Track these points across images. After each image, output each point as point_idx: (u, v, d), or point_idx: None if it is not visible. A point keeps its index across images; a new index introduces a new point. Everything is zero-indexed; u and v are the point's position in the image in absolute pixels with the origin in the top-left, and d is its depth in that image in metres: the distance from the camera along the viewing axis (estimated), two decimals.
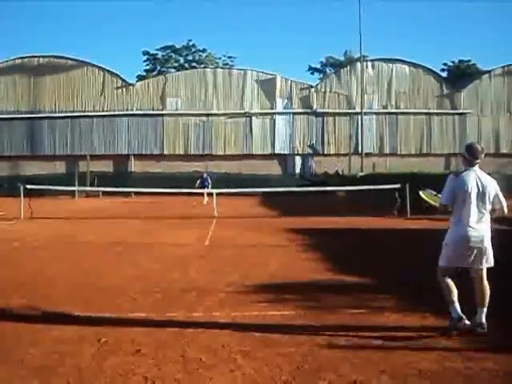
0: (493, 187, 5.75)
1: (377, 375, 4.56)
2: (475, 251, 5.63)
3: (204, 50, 63.46)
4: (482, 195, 5.66)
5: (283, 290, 7.82)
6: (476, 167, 5.79)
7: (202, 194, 28.31)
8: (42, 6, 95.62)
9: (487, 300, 5.65)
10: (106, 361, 4.94)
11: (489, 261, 5.72)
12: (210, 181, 31.01)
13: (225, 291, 7.75)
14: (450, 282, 5.76)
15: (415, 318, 6.22)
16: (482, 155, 5.80)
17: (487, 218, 5.72)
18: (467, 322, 5.57)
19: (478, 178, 5.71)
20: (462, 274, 5.83)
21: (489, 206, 5.70)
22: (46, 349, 5.27)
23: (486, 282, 5.72)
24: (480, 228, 5.64)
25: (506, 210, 5.84)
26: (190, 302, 7.19)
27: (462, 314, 5.60)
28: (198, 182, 30.70)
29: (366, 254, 11.60)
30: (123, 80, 43.85)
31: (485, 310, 5.62)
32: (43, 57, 43.29)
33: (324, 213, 21.30)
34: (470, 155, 5.79)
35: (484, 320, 5.57)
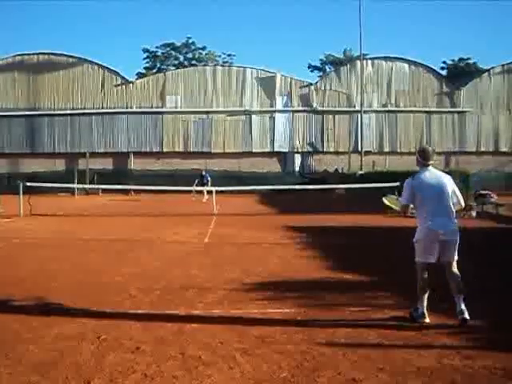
0: (449, 182, 6.11)
1: (376, 373, 4.57)
2: (442, 245, 5.93)
3: (204, 48, 63.47)
4: (440, 191, 5.99)
5: (282, 288, 7.84)
6: (430, 167, 6.20)
7: (202, 192, 28.34)
8: (42, 4, 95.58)
9: (460, 287, 5.91)
10: (106, 358, 4.95)
11: (453, 254, 6.00)
12: (209, 178, 31.05)
13: (224, 288, 7.76)
14: (426, 279, 6.05)
15: None
16: (434, 156, 6.28)
17: (451, 211, 6.01)
18: (427, 320, 5.93)
19: (434, 176, 6.12)
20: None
21: (449, 200, 6.00)
22: (45, 345, 5.28)
23: (455, 270, 6.01)
24: (445, 222, 5.94)
25: (462, 204, 6.18)
26: (189, 299, 7.21)
27: (425, 312, 5.98)
28: (197, 181, 30.71)
29: (366, 251, 11.62)
30: (123, 77, 43.81)
31: (461, 297, 5.85)
32: (43, 54, 43.23)
33: (323, 210, 21.33)
34: (423, 158, 6.22)
35: (463, 306, 5.81)
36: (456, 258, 6.03)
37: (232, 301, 7.08)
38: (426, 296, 6.02)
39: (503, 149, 43.91)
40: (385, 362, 4.81)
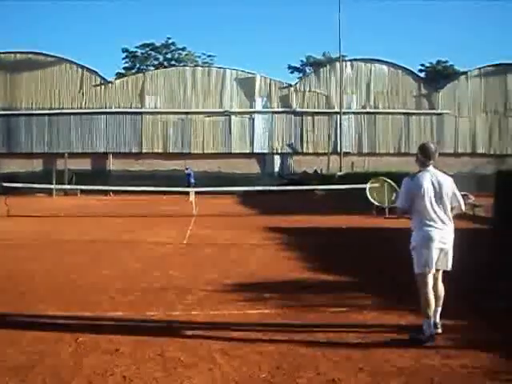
0: (450, 185, 5.63)
1: (355, 373, 4.58)
2: (440, 252, 5.55)
3: (183, 49, 63.19)
4: (439, 195, 5.54)
5: (263, 289, 7.82)
6: (430, 167, 5.66)
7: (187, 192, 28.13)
8: (20, 3, 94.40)
9: (441, 301, 5.62)
10: (84, 360, 4.89)
11: (450, 263, 5.64)
12: (192, 179, 30.99)
13: (204, 290, 7.73)
14: (430, 293, 5.50)
15: (394, 316, 6.28)
16: (436, 155, 5.68)
17: (449, 217, 5.59)
18: (439, 330, 5.52)
19: (434, 178, 5.59)
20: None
21: (448, 205, 5.57)
22: (23, 348, 5.21)
23: (441, 284, 5.67)
24: (443, 228, 5.53)
25: (463, 208, 5.75)
26: (169, 300, 7.17)
27: (434, 332, 5.43)
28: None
29: (346, 252, 11.67)
30: (102, 77, 43.53)
31: (439, 309, 5.59)
32: (20, 53, 42.78)
33: (303, 212, 21.36)
34: (424, 156, 5.68)
35: (438, 320, 5.56)
36: (450, 267, 5.64)
37: (212, 302, 7.05)
38: (432, 314, 5.45)
39: (480, 150, 44.48)
40: (365, 362, 4.82)
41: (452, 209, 5.66)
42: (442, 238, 5.51)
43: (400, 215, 5.93)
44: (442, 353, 5.04)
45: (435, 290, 5.59)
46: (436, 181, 5.57)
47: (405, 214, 5.76)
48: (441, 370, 4.64)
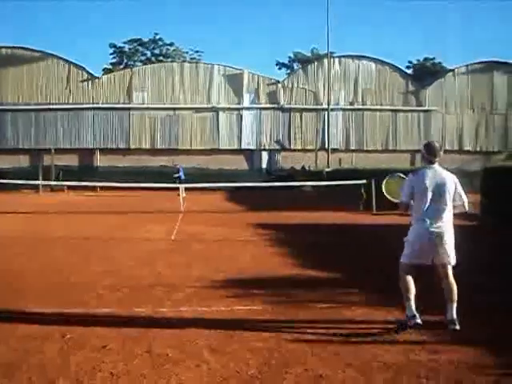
0: (453, 183, 5.75)
1: (343, 368, 4.60)
2: (436, 248, 5.65)
3: (171, 44, 62.95)
4: (441, 192, 5.65)
5: (251, 285, 7.83)
6: (435, 165, 5.79)
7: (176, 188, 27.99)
8: None
9: (455, 296, 5.65)
10: (72, 357, 4.87)
11: (451, 258, 5.72)
12: (182, 175, 30.92)
13: (193, 286, 7.72)
14: (409, 279, 5.75)
15: (382, 312, 6.30)
16: (441, 153, 5.82)
17: (449, 214, 5.70)
18: (419, 320, 5.54)
19: (438, 175, 5.72)
20: (423, 273, 5.92)
21: (450, 203, 5.68)
22: (9, 346, 5.17)
23: (451, 279, 5.72)
24: (441, 225, 5.63)
25: (467, 206, 5.86)
26: (157, 297, 7.15)
27: (415, 313, 5.58)
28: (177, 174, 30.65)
29: (334, 248, 11.69)
30: (89, 73, 43.27)
31: (454, 305, 5.62)
32: (5, 47, 42.40)
33: (291, 208, 21.39)
34: (429, 153, 5.81)
35: (455, 316, 5.58)
36: (454, 262, 5.74)
37: (200, 298, 7.04)
38: (412, 297, 5.65)
39: (467, 147, 44.77)
40: (353, 357, 4.84)
41: (454, 207, 5.77)
42: (437, 234, 5.60)
43: (403, 210, 6.00)
44: (430, 348, 5.08)
45: (445, 286, 5.70)
46: (439, 178, 5.71)
47: (408, 209, 5.89)
48: (428, 365, 4.67)
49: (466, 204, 5.84)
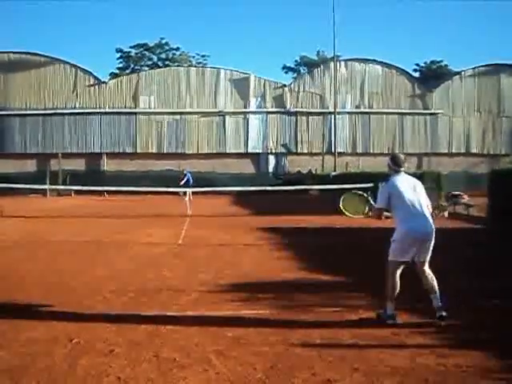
0: (421, 186, 6.28)
1: (350, 373, 4.58)
2: (425, 245, 6.00)
3: (177, 49, 63.17)
4: (414, 193, 6.12)
5: (257, 289, 7.82)
6: (402, 173, 6.29)
7: (184, 193, 27.95)
8: (14, 2, 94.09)
9: (436, 286, 5.97)
10: (79, 361, 4.87)
11: (429, 254, 6.07)
12: (190, 179, 30.70)
13: (198, 290, 7.72)
14: (397, 280, 6.07)
15: None
16: (405, 164, 6.36)
17: (428, 212, 6.11)
18: (398, 321, 5.91)
19: (409, 179, 6.28)
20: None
21: (424, 202, 6.13)
22: (16, 350, 5.18)
23: (428, 270, 6.07)
24: (425, 223, 6.01)
25: (430, 208, 6.27)
26: (163, 301, 7.15)
27: (394, 312, 5.97)
28: (184, 180, 30.47)
29: (340, 252, 11.67)
30: (96, 78, 43.43)
31: (437, 295, 5.93)
32: (14, 53, 42.61)
33: (297, 211, 21.35)
34: (395, 165, 6.32)
35: (440, 304, 5.88)
36: (428, 257, 6.10)
37: (206, 302, 7.04)
38: (394, 297, 6.04)
39: (474, 150, 44.61)
40: (359, 362, 4.83)
41: None
42: (424, 232, 5.99)
43: (375, 216, 6.55)
44: (437, 352, 5.05)
45: (425, 279, 6.06)
46: (411, 181, 6.27)
47: (379, 215, 6.42)
48: (435, 370, 4.64)
49: (430, 205, 6.28)
